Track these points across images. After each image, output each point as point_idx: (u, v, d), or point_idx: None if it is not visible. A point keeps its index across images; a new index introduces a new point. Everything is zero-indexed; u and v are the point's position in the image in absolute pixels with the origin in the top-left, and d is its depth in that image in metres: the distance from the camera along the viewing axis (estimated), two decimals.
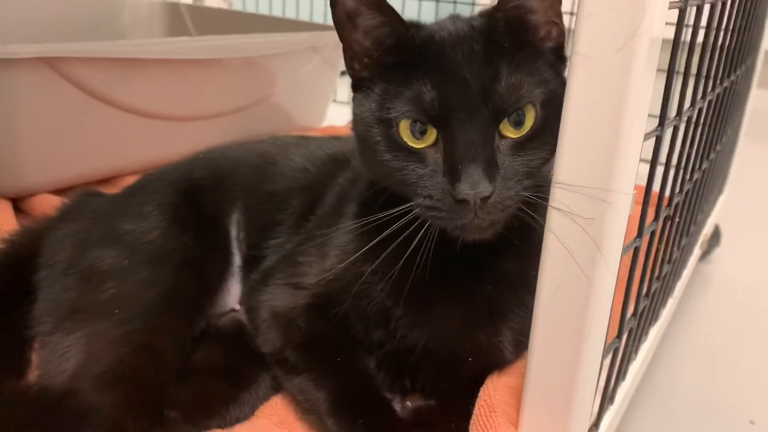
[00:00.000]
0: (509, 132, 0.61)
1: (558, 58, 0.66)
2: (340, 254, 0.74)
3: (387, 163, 0.64)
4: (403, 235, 0.63)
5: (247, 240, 0.89)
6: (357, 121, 0.67)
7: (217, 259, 0.86)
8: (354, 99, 0.69)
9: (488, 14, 0.64)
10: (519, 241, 0.67)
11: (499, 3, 0.63)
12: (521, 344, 0.73)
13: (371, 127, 0.65)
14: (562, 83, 0.63)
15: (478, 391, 0.68)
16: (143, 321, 0.73)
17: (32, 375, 0.76)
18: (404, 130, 0.62)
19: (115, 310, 0.74)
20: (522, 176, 0.61)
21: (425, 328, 0.70)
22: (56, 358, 0.72)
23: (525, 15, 0.63)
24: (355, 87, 0.68)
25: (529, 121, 0.61)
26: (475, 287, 0.70)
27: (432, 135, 0.61)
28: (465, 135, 0.59)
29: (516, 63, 0.61)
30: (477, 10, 2.63)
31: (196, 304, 0.80)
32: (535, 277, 0.70)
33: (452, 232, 0.63)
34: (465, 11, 2.78)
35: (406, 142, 0.62)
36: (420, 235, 0.63)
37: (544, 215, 0.58)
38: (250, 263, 0.87)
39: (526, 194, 0.60)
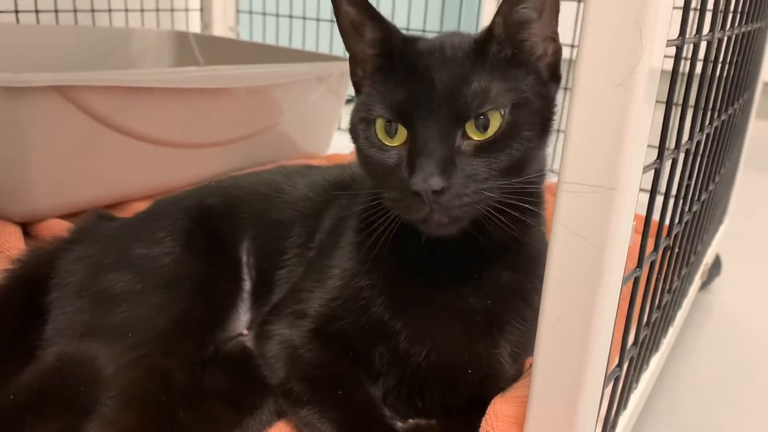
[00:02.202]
0: (474, 134, 0.63)
1: (552, 75, 0.69)
2: (339, 273, 0.77)
3: (369, 160, 0.68)
4: (377, 232, 0.68)
5: (256, 266, 0.90)
6: (351, 125, 0.72)
7: (229, 285, 0.87)
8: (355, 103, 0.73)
9: (488, 26, 0.67)
10: (513, 252, 0.70)
11: (502, 3, 0.65)
12: (519, 356, 0.75)
13: (357, 127, 0.70)
14: (542, 96, 0.67)
15: (478, 412, 0.68)
16: (155, 345, 0.74)
17: None
18: (380, 129, 0.67)
19: (128, 333, 0.74)
20: (483, 178, 0.63)
21: (425, 341, 0.71)
22: None
23: (521, 26, 0.66)
24: (356, 93, 0.74)
25: (494, 126, 0.63)
26: (473, 300, 0.72)
27: (403, 134, 0.65)
28: (424, 131, 0.63)
29: (492, 69, 0.65)
30: (483, 10, 2.61)
31: (207, 330, 0.81)
32: (532, 289, 0.72)
33: (417, 227, 0.66)
34: (472, 10, 2.79)
35: (381, 141, 0.67)
36: (384, 227, 0.67)
37: (527, 223, 0.66)
38: (258, 290, 0.88)
39: (489, 195, 0.63)
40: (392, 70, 0.68)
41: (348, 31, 0.70)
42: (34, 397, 0.68)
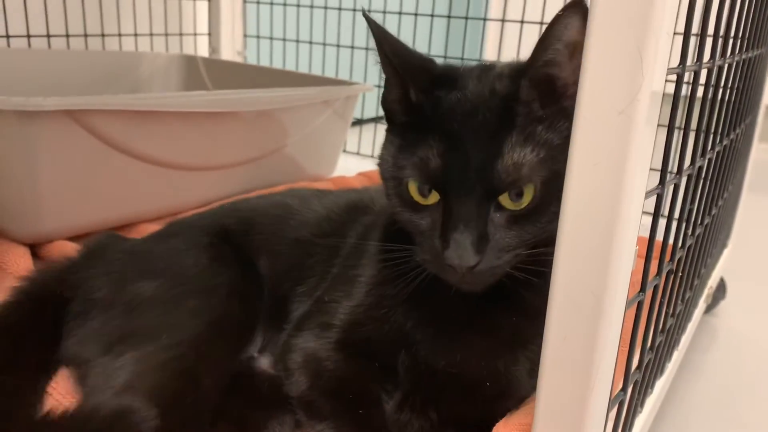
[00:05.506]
0: (507, 204, 0.63)
1: None
2: (364, 281, 0.78)
3: (401, 218, 0.70)
4: (413, 271, 0.70)
5: (270, 284, 0.90)
6: (380, 164, 0.72)
7: (257, 297, 0.87)
8: (385, 137, 0.73)
9: (513, 77, 0.65)
10: (536, 277, 0.69)
11: (526, 65, 0.63)
12: (536, 375, 0.74)
13: (387, 181, 0.71)
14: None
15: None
16: (189, 347, 0.74)
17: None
18: (412, 188, 0.67)
19: (163, 335, 0.74)
20: (514, 247, 0.64)
21: (444, 354, 0.72)
22: (105, 377, 0.72)
23: (552, 78, 0.63)
24: (389, 124, 0.73)
25: (527, 197, 0.63)
26: (497, 316, 0.73)
27: (436, 195, 0.65)
28: (459, 208, 0.63)
29: (525, 137, 0.63)
30: (487, 35, 2.59)
31: (240, 337, 0.81)
32: None
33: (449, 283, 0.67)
34: (476, 35, 2.80)
35: (413, 199, 0.67)
36: (422, 276, 0.69)
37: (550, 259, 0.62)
38: (271, 310, 0.89)
39: (518, 258, 0.65)
40: (421, 123, 0.66)
41: (382, 59, 0.70)
42: None
